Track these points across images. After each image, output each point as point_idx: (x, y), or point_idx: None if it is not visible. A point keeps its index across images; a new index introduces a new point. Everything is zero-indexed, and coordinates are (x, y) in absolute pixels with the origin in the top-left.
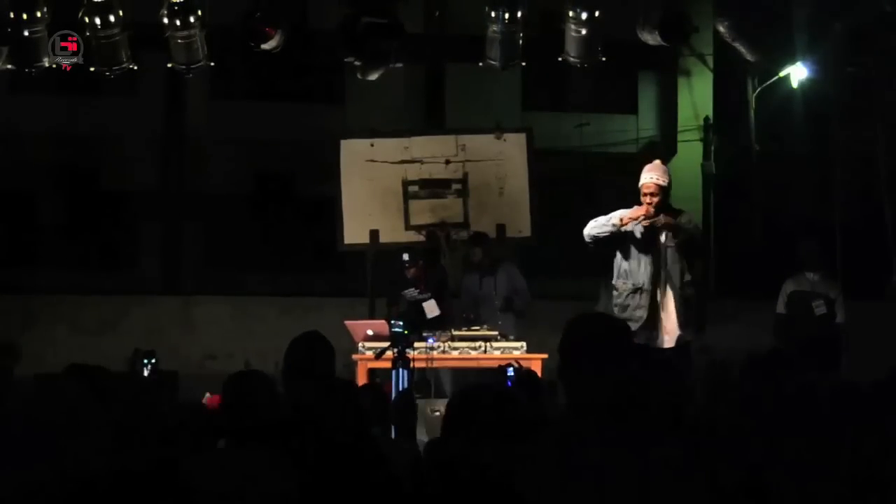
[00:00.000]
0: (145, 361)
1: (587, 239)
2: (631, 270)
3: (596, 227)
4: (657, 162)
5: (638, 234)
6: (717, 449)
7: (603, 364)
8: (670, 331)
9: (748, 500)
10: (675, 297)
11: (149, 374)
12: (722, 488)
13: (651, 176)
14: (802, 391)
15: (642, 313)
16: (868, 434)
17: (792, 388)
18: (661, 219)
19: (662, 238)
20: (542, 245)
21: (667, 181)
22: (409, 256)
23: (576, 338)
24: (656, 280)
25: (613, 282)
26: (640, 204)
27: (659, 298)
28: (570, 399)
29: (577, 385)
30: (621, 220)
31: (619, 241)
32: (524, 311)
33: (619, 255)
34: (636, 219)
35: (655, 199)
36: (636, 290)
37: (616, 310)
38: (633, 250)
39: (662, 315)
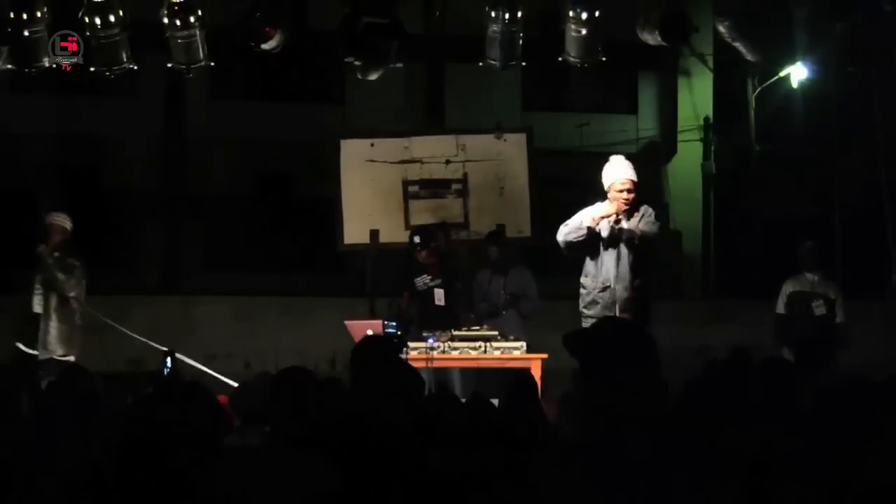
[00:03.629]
0: (167, 361)
1: (562, 245)
2: (598, 269)
3: (570, 232)
4: (621, 158)
5: (605, 234)
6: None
7: (629, 371)
8: None
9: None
10: (629, 293)
11: (168, 374)
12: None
13: (626, 172)
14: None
15: (606, 311)
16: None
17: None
18: (625, 227)
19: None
20: (542, 245)
21: (635, 175)
22: (421, 238)
23: (602, 346)
24: (617, 277)
25: (582, 281)
26: (603, 200)
27: (617, 295)
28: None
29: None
30: (594, 219)
31: (592, 242)
32: (529, 314)
33: (584, 256)
34: (609, 216)
35: (631, 196)
36: (604, 288)
37: (582, 306)
38: (601, 249)
39: (618, 311)
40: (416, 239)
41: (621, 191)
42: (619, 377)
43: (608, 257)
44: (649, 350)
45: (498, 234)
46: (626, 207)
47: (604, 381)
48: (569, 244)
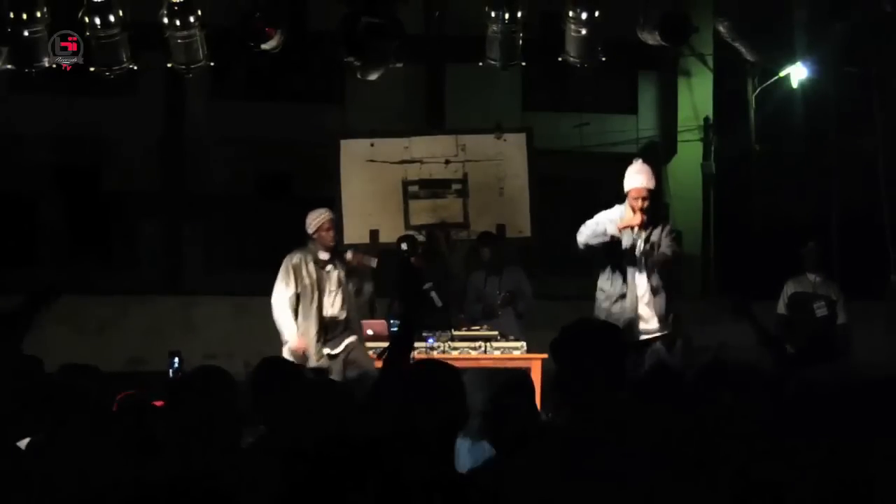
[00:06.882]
0: (174, 361)
1: (581, 246)
2: (616, 275)
3: (590, 236)
4: (641, 163)
5: (626, 244)
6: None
7: (601, 371)
8: (650, 331)
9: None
10: (651, 298)
11: (173, 375)
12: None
13: (641, 180)
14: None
15: (626, 315)
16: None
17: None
18: (656, 256)
19: (640, 245)
20: (542, 245)
21: (654, 184)
22: (408, 245)
23: (573, 347)
24: (637, 283)
25: (600, 285)
26: (621, 203)
27: (638, 301)
28: (573, 410)
29: (579, 397)
30: (619, 228)
31: (613, 249)
32: (524, 314)
33: (604, 260)
34: (631, 227)
35: (646, 204)
36: (622, 294)
37: (602, 314)
38: (621, 258)
39: (644, 314)
40: (404, 246)
41: (636, 198)
42: (588, 378)
43: (627, 264)
44: (619, 351)
45: (489, 236)
46: (646, 219)
47: (576, 381)
48: (587, 246)
